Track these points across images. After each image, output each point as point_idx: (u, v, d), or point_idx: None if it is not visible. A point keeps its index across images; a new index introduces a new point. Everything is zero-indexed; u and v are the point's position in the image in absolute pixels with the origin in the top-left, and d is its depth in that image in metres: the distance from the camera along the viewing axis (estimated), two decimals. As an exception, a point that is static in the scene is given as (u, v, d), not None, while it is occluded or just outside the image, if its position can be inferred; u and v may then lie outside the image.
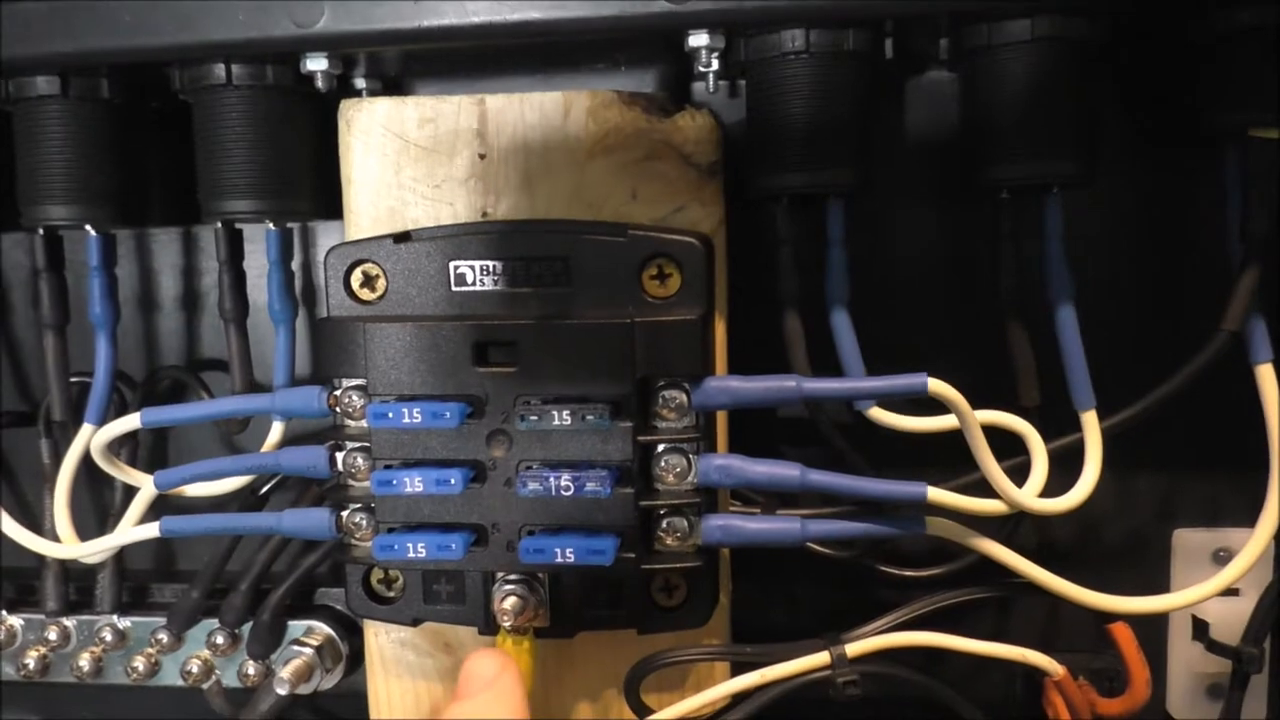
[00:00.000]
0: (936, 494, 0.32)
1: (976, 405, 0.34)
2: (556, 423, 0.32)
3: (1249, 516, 0.35)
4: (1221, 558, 0.40)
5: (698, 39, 0.33)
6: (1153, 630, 0.41)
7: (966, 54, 0.33)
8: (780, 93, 0.33)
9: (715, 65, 0.34)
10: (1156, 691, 0.41)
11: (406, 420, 0.32)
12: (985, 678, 0.40)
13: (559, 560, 0.32)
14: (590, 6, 0.32)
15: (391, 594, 0.37)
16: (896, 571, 0.39)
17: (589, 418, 0.32)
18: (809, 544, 0.39)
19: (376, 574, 0.37)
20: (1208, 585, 0.35)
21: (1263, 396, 0.34)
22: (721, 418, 0.36)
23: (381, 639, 0.39)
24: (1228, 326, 0.33)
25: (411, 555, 0.33)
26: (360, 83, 0.39)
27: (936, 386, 0.31)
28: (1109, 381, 0.36)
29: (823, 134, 0.33)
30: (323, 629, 0.43)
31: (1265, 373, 0.34)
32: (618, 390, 0.33)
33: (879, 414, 0.35)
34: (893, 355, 0.37)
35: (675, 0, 0.31)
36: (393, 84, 0.39)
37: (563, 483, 0.32)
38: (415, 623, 0.37)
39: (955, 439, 0.33)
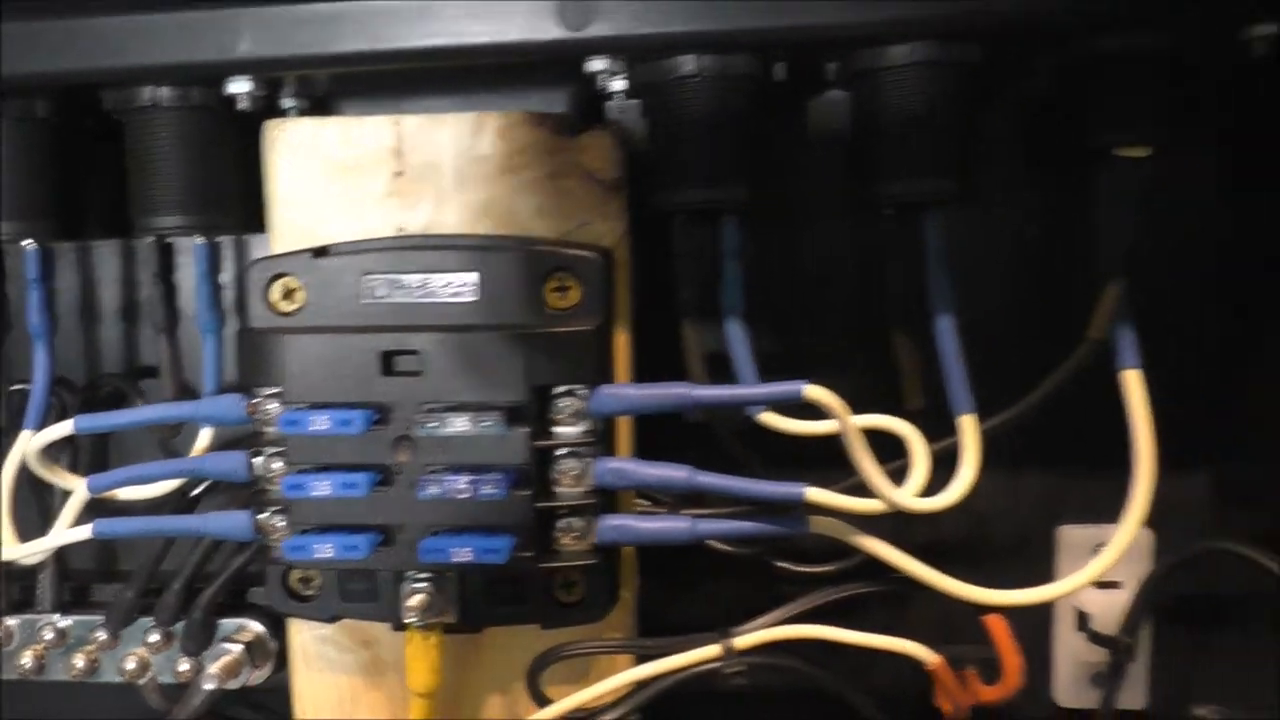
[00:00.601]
0: (815, 494, 0.34)
1: (874, 409, 0.36)
2: (453, 429, 0.34)
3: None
4: (1102, 552, 0.42)
5: (596, 64, 0.35)
6: (1041, 622, 0.43)
7: (853, 77, 0.35)
8: (675, 114, 0.35)
9: (618, 87, 0.36)
10: (1044, 680, 0.43)
11: (314, 427, 0.34)
12: (883, 668, 0.42)
13: (456, 559, 0.34)
14: (493, 33, 0.34)
15: (310, 592, 0.38)
16: (794, 567, 0.41)
17: (484, 424, 0.33)
18: (711, 541, 0.41)
19: (296, 573, 0.38)
20: (1069, 581, 0.37)
21: (1128, 400, 0.36)
22: (625, 423, 0.38)
23: (304, 635, 0.41)
24: (1093, 335, 0.36)
25: (319, 555, 0.35)
26: (288, 102, 0.41)
27: (813, 393, 0.33)
28: (997, 386, 0.38)
29: (715, 153, 0.35)
30: (253, 626, 0.45)
31: (1131, 378, 0.36)
32: (515, 397, 0.34)
33: (769, 418, 0.37)
34: (794, 363, 0.39)
35: (570, 29, 0.33)
36: (319, 103, 0.41)
37: (460, 486, 0.34)
38: (333, 619, 0.38)
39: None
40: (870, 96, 0.35)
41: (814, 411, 0.34)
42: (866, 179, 0.36)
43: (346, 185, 0.38)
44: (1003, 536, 0.43)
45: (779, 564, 0.41)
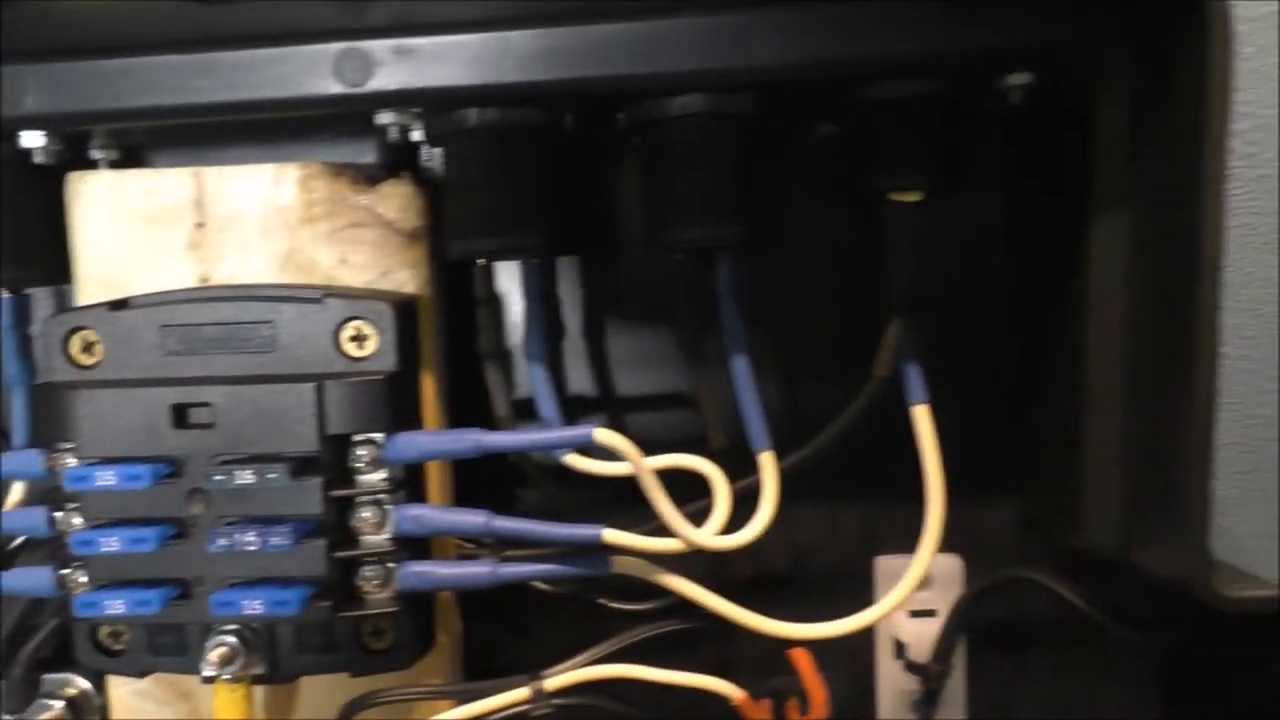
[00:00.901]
0: (613, 535, 0.35)
1: (688, 449, 0.37)
2: (239, 481, 0.34)
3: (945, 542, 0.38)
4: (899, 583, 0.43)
5: (385, 117, 0.35)
6: (864, 651, 0.44)
7: (640, 127, 0.36)
8: (465, 165, 0.36)
9: (418, 137, 0.37)
10: (868, 708, 0.44)
11: (100, 483, 0.34)
12: (703, 704, 0.42)
13: (247, 612, 0.34)
14: (274, 88, 0.34)
15: (119, 646, 0.38)
16: (615, 605, 0.42)
17: (270, 475, 0.33)
18: (535, 582, 0.41)
19: (105, 628, 0.38)
20: (868, 613, 0.37)
21: (918, 434, 0.37)
22: (438, 468, 0.39)
23: (121, 690, 0.40)
24: (878, 373, 0.37)
25: (110, 612, 0.34)
26: (97, 154, 0.40)
27: (602, 436, 0.34)
28: (806, 423, 0.39)
29: (505, 202, 0.36)
30: (78, 682, 0.44)
31: (919, 413, 0.37)
32: (307, 448, 0.35)
33: (573, 460, 0.38)
34: (608, 404, 0.40)
35: (348, 85, 0.34)
36: (131, 154, 0.41)
37: (248, 538, 0.34)
38: (143, 674, 0.38)
39: (669, 479, 0.36)
40: (656, 146, 0.36)
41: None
42: (657, 225, 0.36)
43: (149, 237, 0.38)
44: (825, 569, 0.44)
45: (600, 602, 0.42)
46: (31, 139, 0.37)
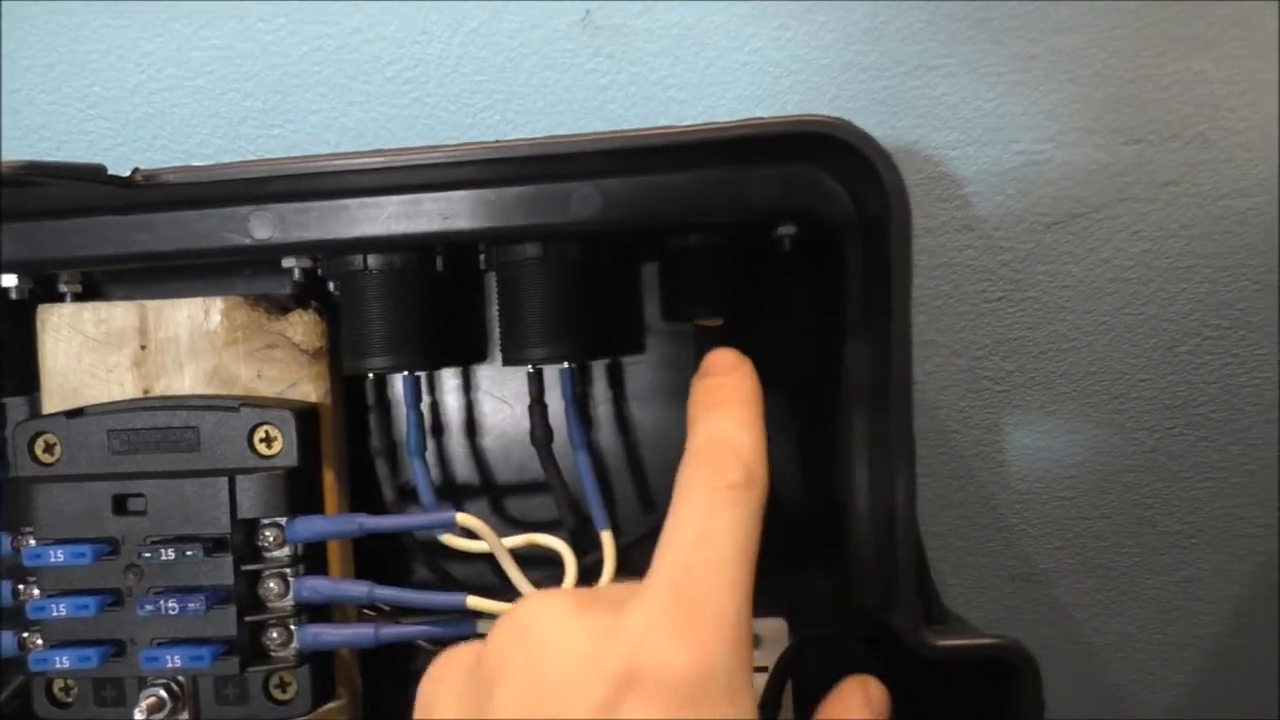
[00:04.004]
0: (475, 602, 0.43)
1: (548, 528, 0.44)
2: (165, 558, 0.42)
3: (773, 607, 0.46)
4: (754, 641, 0.50)
5: (288, 261, 0.44)
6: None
7: (493, 268, 0.45)
8: (356, 298, 0.44)
9: (320, 274, 0.46)
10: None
11: (53, 560, 0.42)
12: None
13: (169, 666, 0.41)
14: (201, 241, 0.43)
15: (70, 700, 0.46)
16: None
17: (188, 553, 0.41)
18: (422, 641, 0.49)
19: (58, 684, 0.46)
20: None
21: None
22: (339, 546, 0.46)
23: (71, 738, 0.48)
24: (692, 465, 0.45)
25: (58, 667, 0.42)
26: (63, 288, 0.49)
27: (464, 519, 0.42)
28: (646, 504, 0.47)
29: (388, 328, 0.44)
30: (38, 733, 0.51)
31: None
32: (222, 530, 0.43)
33: (448, 539, 0.46)
34: (489, 491, 0.48)
35: (256, 239, 0.42)
36: (88, 289, 0.50)
37: (170, 604, 0.41)
38: (89, 723, 0.46)
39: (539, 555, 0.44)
40: (506, 282, 0.44)
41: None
42: (508, 344, 0.45)
43: (102, 357, 0.46)
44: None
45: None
46: (8, 280, 0.46)
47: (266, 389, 0.46)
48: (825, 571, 0.50)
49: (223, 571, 0.43)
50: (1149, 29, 0.48)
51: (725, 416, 0.33)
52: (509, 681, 0.27)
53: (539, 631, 0.27)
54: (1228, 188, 0.50)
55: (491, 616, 0.44)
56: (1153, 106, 0.49)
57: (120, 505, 0.43)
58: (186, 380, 0.46)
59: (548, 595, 0.29)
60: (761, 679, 0.49)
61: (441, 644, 0.50)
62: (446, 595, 0.43)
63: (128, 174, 0.39)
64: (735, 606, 0.27)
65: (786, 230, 0.42)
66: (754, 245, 0.44)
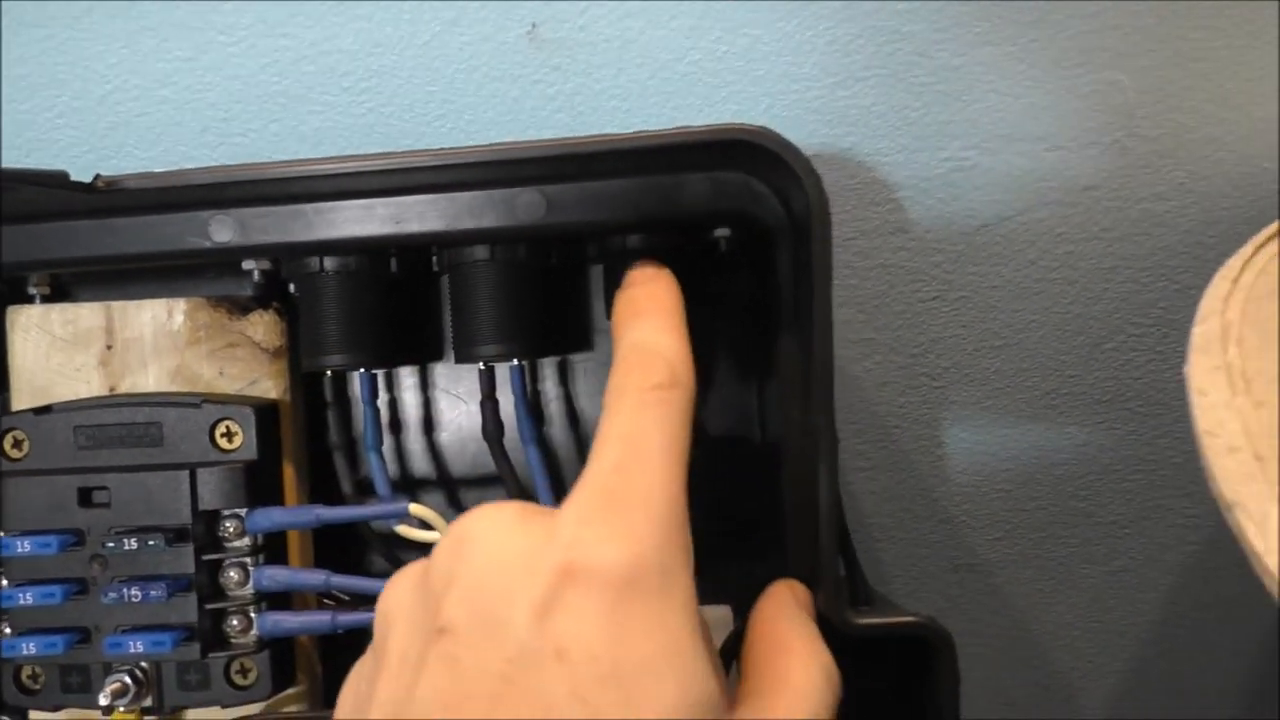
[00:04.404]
0: (418, 509, 0.44)
1: None
2: (128, 547, 0.43)
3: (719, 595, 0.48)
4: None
5: (248, 264, 0.46)
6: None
7: (445, 269, 0.47)
8: (313, 298, 0.46)
9: (282, 275, 0.48)
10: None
11: (20, 550, 0.44)
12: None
13: (132, 652, 0.43)
14: (163, 244, 0.45)
15: (37, 686, 0.47)
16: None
17: (151, 542, 0.43)
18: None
19: (25, 670, 0.47)
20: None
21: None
22: (298, 536, 0.48)
23: (39, 725, 0.49)
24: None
25: (25, 653, 0.44)
26: (32, 290, 0.51)
27: (417, 510, 0.44)
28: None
29: (344, 327, 0.46)
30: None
31: (673, 488, 0.47)
32: (181, 521, 0.44)
33: (403, 530, 0.47)
34: (443, 484, 0.50)
35: (215, 242, 0.44)
36: (57, 290, 0.52)
37: (133, 592, 0.43)
38: (56, 709, 0.47)
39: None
40: (458, 283, 0.46)
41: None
42: (460, 342, 0.47)
43: (69, 356, 0.48)
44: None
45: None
46: (-24, 282, 0.48)
47: (228, 386, 0.48)
48: (766, 560, 0.53)
49: (184, 561, 0.45)
50: (1065, 41, 0.51)
51: (647, 325, 0.34)
52: (454, 587, 0.28)
53: (479, 539, 0.29)
54: (1145, 192, 0.53)
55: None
56: (1071, 115, 0.51)
57: (85, 498, 0.45)
58: (151, 378, 0.48)
59: (488, 507, 0.30)
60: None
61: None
62: (400, 582, 0.45)
63: (90, 180, 0.41)
64: (665, 498, 0.28)
65: (722, 232, 0.44)
66: (693, 247, 0.46)
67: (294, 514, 0.45)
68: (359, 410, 0.51)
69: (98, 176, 0.41)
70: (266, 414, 0.47)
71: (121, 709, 0.45)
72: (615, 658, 0.25)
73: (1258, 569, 0.26)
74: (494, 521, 0.29)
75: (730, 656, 0.48)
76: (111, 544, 0.44)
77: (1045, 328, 0.55)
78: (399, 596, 0.31)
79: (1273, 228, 0.40)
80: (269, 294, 0.50)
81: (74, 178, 0.40)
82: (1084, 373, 0.56)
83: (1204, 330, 0.33)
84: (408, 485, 0.52)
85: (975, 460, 0.58)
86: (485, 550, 0.28)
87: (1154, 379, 0.56)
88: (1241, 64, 0.52)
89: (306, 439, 0.50)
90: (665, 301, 0.36)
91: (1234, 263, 0.37)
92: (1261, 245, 0.38)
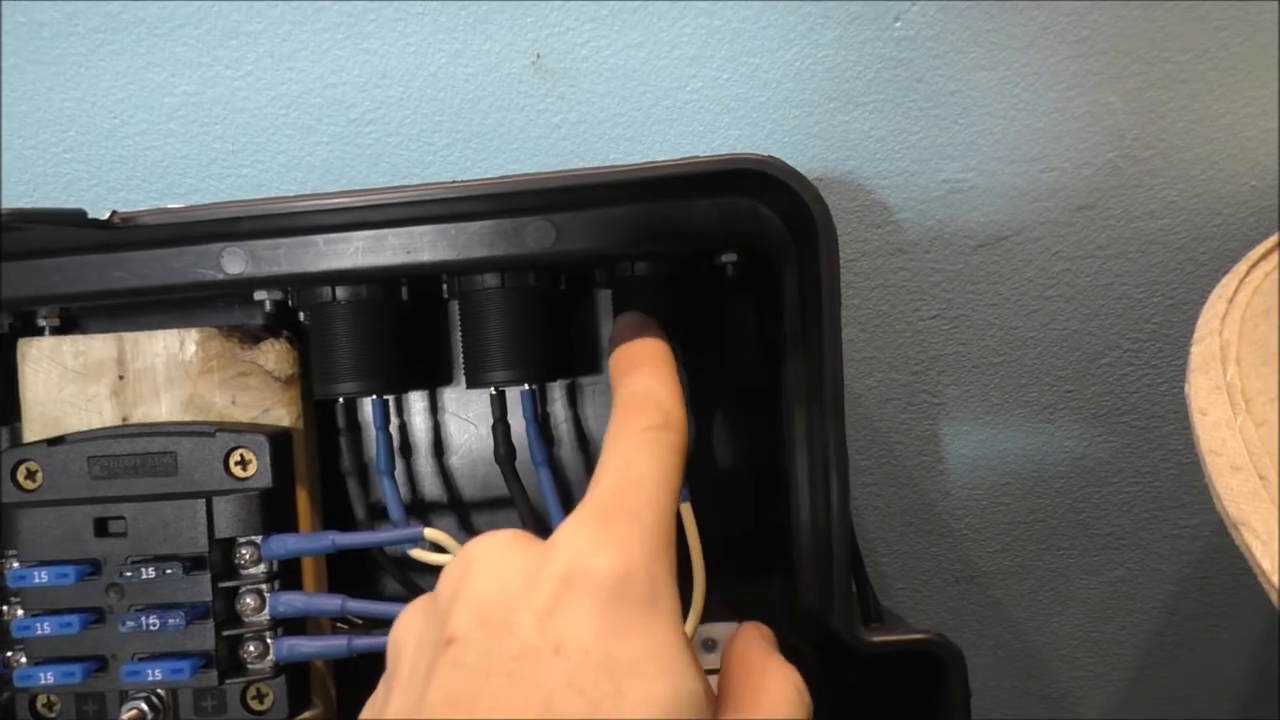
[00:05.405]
0: (432, 534, 0.45)
1: None
2: (145, 576, 0.44)
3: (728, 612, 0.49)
4: (709, 645, 0.53)
5: (259, 294, 0.47)
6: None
7: (456, 296, 0.48)
8: (325, 327, 0.47)
9: (292, 305, 0.48)
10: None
11: (36, 581, 0.44)
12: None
13: (150, 679, 0.44)
14: (175, 277, 0.46)
15: (53, 715, 0.48)
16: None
17: (168, 571, 0.44)
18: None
19: (41, 699, 0.48)
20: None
21: (684, 527, 0.48)
22: (313, 561, 0.49)
23: (54, 754, 0.50)
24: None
25: (42, 683, 0.44)
26: (41, 323, 0.51)
27: (432, 534, 0.45)
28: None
29: (355, 355, 0.47)
30: (21, 751, 0.53)
31: (684, 509, 0.48)
32: (199, 549, 0.45)
33: (416, 554, 0.48)
34: (455, 507, 0.50)
35: (227, 274, 0.45)
36: (67, 323, 0.52)
37: (151, 620, 0.44)
38: (72, 736, 0.48)
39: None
40: (468, 310, 0.47)
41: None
42: (471, 368, 0.48)
43: (81, 387, 0.49)
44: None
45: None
46: (-11, 315, 0.48)
47: (241, 414, 0.49)
48: (776, 580, 0.53)
49: (201, 589, 0.45)
50: (1058, 65, 0.52)
51: (641, 375, 0.36)
52: (460, 601, 0.30)
53: (482, 558, 0.31)
54: (1138, 210, 0.54)
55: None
56: (1065, 137, 0.53)
57: (101, 528, 0.46)
58: (164, 408, 0.49)
59: (490, 534, 0.32)
60: (714, 681, 0.52)
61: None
62: (415, 606, 0.45)
63: (106, 217, 0.41)
64: (655, 520, 0.30)
65: (729, 257, 0.45)
66: (700, 271, 0.47)
67: (310, 540, 0.46)
68: (371, 436, 0.51)
69: (114, 213, 0.42)
70: (280, 442, 0.47)
71: (138, 737, 0.46)
72: (607, 652, 0.27)
73: (1264, 585, 0.27)
74: (495, 544, 0.31)
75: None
76: (129, 573, 0.44)
77: (1042, 344, 0.56)
78: (409, 623, 0.33)
79: (1265, 245, 0.41)
80: (280, 323, 0.50)
81: (88, 214, 0.41)
82: (1081, 387, 0.57)
83: (1202, 350, 0.34)
84: (420, 509, 0.53)
85: (975, 474, 0.59)
86: (489, 567, 0.30)
87: (1149, 393, 0.57)
88: (1228, 85, 0.53)
89: (319, 465, 0.51)
90: (657, 353, 0.38)
91: (1229, 281, 0.38)
92: (1256, 263, 0.39)
